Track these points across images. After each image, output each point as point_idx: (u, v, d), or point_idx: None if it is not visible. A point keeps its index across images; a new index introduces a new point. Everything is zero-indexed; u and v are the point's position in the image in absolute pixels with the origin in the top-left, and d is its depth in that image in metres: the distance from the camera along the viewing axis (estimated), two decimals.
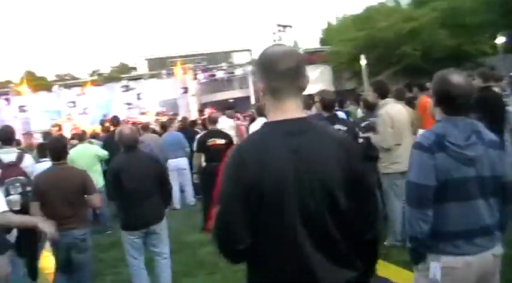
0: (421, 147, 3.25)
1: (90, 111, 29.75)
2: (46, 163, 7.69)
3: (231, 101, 32.23)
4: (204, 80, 32.54)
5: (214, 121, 10.66)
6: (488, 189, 3.24)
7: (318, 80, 31.72)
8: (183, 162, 12.91)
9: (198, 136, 10.85)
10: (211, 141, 9.86)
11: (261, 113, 10.36)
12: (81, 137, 11.52)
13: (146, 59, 49.62)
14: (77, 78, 40.40)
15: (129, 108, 30.25)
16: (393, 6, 34.99)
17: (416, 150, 3.27)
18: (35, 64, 58.49)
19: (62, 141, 6.82)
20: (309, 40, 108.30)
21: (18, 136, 27.00)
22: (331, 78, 32.83)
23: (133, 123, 27.01)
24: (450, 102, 3.30)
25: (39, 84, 38.75)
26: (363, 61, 28.59)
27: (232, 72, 33.38)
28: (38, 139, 26.23)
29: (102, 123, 16.89)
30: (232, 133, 12.77)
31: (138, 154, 6.61)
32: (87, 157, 10.67)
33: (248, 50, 51.40)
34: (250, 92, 29.99)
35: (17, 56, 72.35)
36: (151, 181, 6.37)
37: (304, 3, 77.01)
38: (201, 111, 30.51)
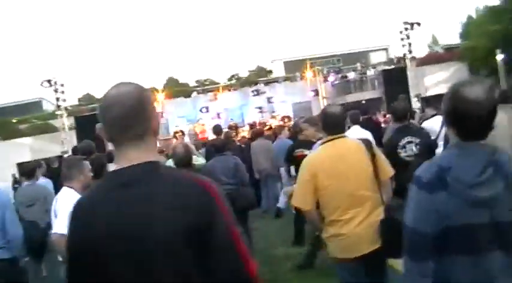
0: (419, 183, 2.52)
1: (223, 115, 30.07)
2: None
3: (363, 102, 31.31)
4: (336, 82, 31.76)
5: (297, 130, 10.01)
6: (506, 240, 2.45)
7: (453, 78, 30.02)
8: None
9: (288, 146, 10.23)
10: (299, 152, 9.22)
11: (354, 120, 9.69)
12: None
13: (283, 62, 49.80)
14: (217, 83, 41.03)
15: (259, 112, 30.25)
16: None
17: (414, 185, 2.54)
18: (177, 71, 60.55)
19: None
20: (449, 35, 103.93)
21: None
22: (466, 76, 30.83)
23: (260, 125, 27.35)
24: (462, 123, 2.53)
25: (180, 90, 39.88)
26: (499, 56, 26.54)
27: (365, 73, 32.40)
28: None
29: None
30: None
31: None
32: None
33: (385, 49, 50.21)
34: (381, 92, 28.89)
35: (161, 63, 75.37)
36: None
37: None
38: None
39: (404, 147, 6.62)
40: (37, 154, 25.72)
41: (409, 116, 7.27)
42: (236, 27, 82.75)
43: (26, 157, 24.51)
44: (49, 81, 25.16)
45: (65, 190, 5.38)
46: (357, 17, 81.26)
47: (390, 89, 25.06)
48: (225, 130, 28.57)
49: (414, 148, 6.60)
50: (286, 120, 28.82)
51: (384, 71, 28.17)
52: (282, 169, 12.02)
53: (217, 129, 12.58)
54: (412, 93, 25.07)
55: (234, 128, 28.38)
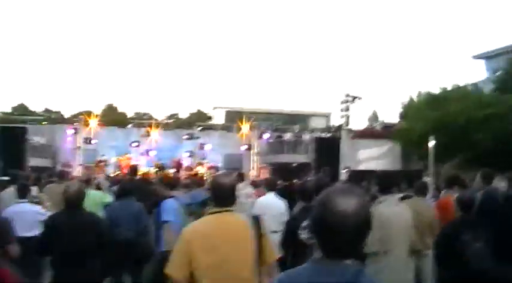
0: None
1: (152, 153, 29.64)
2: None
3: (294, 164, 31.32)
4: (270, 140, 31.74)
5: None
6: None
7: (385, 155, 30.42)
8: None
9: None
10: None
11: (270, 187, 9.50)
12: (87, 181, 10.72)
13: (225, 110, 49.70)
14: (155, 119, 40.50)
15: (189, 156, 29.94)
16: (472, 89, 33.15)
17: None
18: (118, 99, 59.91)
19: None
20: (390, 113, 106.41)
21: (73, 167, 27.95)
22: (399, 156, 31.28)
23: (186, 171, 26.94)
24: (328, 237, 2.26)
25: (116, 119, 39.29)
26: (431, 143, 26.92)
27: (300, 136, 32.50)
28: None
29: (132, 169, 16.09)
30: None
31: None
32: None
33: (326, 116, 50.63)
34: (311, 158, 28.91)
35: (103, 87, 74.38)
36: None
37: (391, 74, 75.84)
38: (260, 169, 30.07)
39: (306, 228, 6.27)
40: None
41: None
42: (184, 68, 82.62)
43: None
44: None
45: None
46: (305, 79, 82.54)
47: (321, 156, 25.13)
48: (151, 169, 28.52)
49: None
50: (213, 170, 28.52)
51: (318, 138, 28.23)
52: None
53: (132, 170, 12.17)
54: (342, 165, 25.15)
55: (160, 168, 27.98)
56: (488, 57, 51.94)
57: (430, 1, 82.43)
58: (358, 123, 54.81)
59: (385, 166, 29.33)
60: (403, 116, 42.04)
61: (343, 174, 24.85)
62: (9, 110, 46.75)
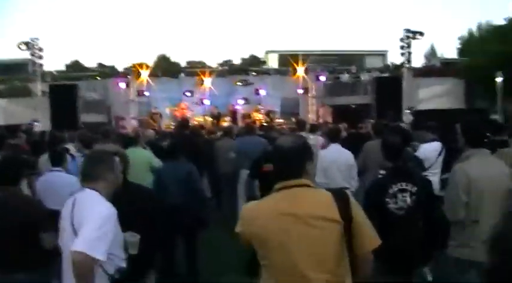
0: None
1: (206, 101, 28.47)
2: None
3: (353, 106, 29.69)
4: (328, 82, 30.06)
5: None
6: None
7: (448, 93, 28.45)
8: None
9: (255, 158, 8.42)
10: (267, 167, 7.29)
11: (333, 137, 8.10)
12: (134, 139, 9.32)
13: (278, 54, 48.13)
14: (208, 67, 39.19)
15: (245, 103, 28.62)
16: None
17: None
18: (170, 49, 58.41)
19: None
20: (447, 48, 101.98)
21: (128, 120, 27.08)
22: (462, 94, 29.19)
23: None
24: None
25: (170, 69, 38.16)
26: (499, 78, 24.88)
27: (359, 77, 30.70)
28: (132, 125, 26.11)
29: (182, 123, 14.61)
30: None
31: None
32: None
33: (382, 54, 48.55)
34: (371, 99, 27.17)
35: (155, 39, 72.94)
36: None
37: (445, 7, 71.65)
38: (318, 112, 28.57)
39: (395, 196, 4.84)
40: (8, 118, 24.20)
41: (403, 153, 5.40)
42: (235, 14, 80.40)
43: None
44: (27, 43, 23.15)
45: (88, 194, 3.81)
46: (357, 18, 79.28)
47: (382, 97, 23.44)
48: (206, 117, 27.42)
49: (409, 199, 4.83)
50: (271, 115, 27.26)
51: (378, 78, 26.36)
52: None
53: (182, 124, 10.82)
54: (404, 105, 23.49)
55: (216, 117, 26.84)
56: None
57: None
58: (415, 60, 52.54)
59: (448, 105, 27.57)
60: (462, 51, 39.76)
61: (407, 115, 23.27)
62: (63, 68, 46.07)
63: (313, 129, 12.70)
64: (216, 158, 11.07)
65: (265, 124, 25.09)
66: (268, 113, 27.58)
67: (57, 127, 19.70)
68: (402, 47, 23.88)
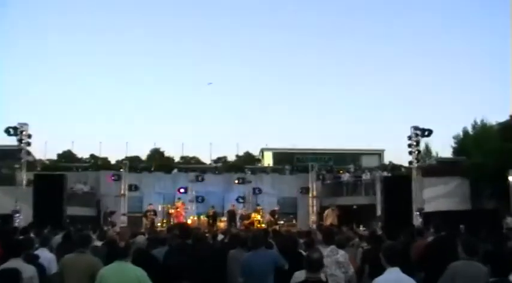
0: None
1: (202, 199, 26.51)
2: None
3: (354, 207, 27.75)
4: (328, 182, 28.22)
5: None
6: None
7: (453, 194, 26.57)
8: None
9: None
10: None
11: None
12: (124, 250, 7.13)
13: (273, 152, 46.63)
14: (202, 163, 37.44)
15: (241, 202, 26.64)
16: None
17: None
18: (163, 142, 56.99)
19: None
20: (440, 148, 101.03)
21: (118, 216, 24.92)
22: (468, 194, 27.33)
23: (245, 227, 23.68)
24: None
25: (164, 163, 36.35)
26: (511, 178, 23.11)
27: (360, 176, 28.91)
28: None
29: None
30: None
31: None
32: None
33: (378, 153, 47.10)
34: (377, 199, 25.22)
35: (148, 132, 71.51)
36: None
37: (440, 107, 70.97)
38: (320, 214, 26.50)
39: None
40: None
41: None
42: (229, 110, 79.69)
43: None
44: (15, 128, 21.11)
45: None
46: (350, 117, 78.67)
47: (390, 197, 21.47)
48: (202, 217, 25.33)
49: None
50: (276, 215, 25.31)
51: (386, 177, 24.50)
52: None
53: (184, 232, 8.58)
54: (414, 206, 21.54)
55: (213, 216, 24.81)
56: None
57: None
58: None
59: (454, 206, 25.68)
60: (458, 149, 38.16)
61: (416, 218, 21.28)
62: (55, 157, 44.03)
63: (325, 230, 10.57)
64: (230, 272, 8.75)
65: (263, 226, 23.23)
66: (273, 213, 25.57)
67: (40, 219, 18.48)
68: (410, 145, 22.19)
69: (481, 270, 5.93)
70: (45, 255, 8.50)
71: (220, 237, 12.48)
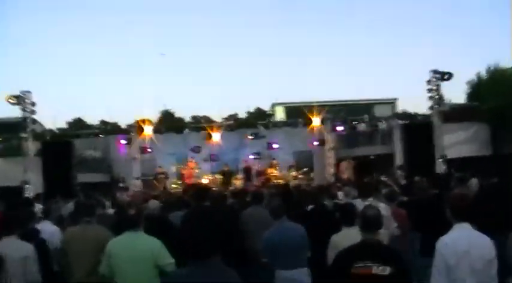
0: None
1: (216, 157, 25.44)
2: None
3: (371, 157, 26.73)
4: (343, 132, 27.09)
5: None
6: None
7: (473, 139, 25.52)
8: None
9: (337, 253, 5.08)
10: (361, 269, 4.39)
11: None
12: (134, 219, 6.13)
13: (284, 106, 45.47)
14: (213, 121, 36.25)
15: (256, 158, 25.63)
16: None
17: None
18: (173, 104, 55.87)
19: None
20: (452, 94, 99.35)
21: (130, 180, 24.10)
22: (488, 139, 26.22)
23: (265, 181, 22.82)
24: None
25: (174, 125, 35.31)
26: None
27: (376, 125, 27.70)
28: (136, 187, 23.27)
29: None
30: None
31: None
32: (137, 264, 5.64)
33: (391, 103, 45.83)
34: (395, 148, 24.16)
35: (158, 93, 70.11)
36: None
37: (452, 53, 68.98)
38: (337, 167, 25.55)
39: None
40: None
41: None
42: (238, 67, 78.07)
43: None
44: (17, 97, 19.93)
45: None
46: (358, 66, 76.85)
47: (411, 146, 20.45)
48: (217, 176, 24.45)
49: None
50: (293, 170, 24.39)
51: (406, 124, 23.29)
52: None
53: (199, 194, 7.57)
54: (437, 153, 20.51)
55: (228, 174, 23.88)
56: None
57: None
58: (423, 106, 49.78)
59: (475, 152, 24.67)
60: (472, 95, 36.89)
61: (439, 164, 20.27)
62: (65, 126, 43.19)
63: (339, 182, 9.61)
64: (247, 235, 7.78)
65: (280, 181, 22.35)
66: (290, 168, 24.77)
67: (50, 188, 18.17)
68: (430, 90, 20.93)
69: None
70: (47, 228, 7.57)
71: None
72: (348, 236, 5.63)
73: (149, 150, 25.69)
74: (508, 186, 8.06)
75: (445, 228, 4.84)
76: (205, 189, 9.36)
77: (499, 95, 26.62)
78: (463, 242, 4.59)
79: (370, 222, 4.71)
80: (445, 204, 5.01)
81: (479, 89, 33.92)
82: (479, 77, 36.52)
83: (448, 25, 72.82)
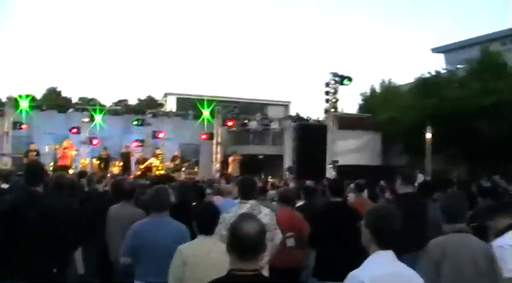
0: None
1: (95, 141, 23.27)
2: None
3: (260, 157, 25.58)
4: (235, 129, 25.76)
5: None
6: None
7: (365, 148, 25.04)
8: None
9: None
10: None
11: None
12: None
13: (176, 97, 43.55)
14: (102, 105, 33.79)
15: (140, 145, 23.76)
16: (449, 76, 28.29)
17: None
18: (62, 83, 52.43)
19: None
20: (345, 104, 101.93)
21: None
22: (379, 149, 25.87)
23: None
24: None
25: (59, 104, 32.62)
26: (429, 134, 21.73)
27: (268, 125, 26.57)
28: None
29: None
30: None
31: None
32: None
33: (285, 105, 45.09)
34: (286, 150, 23.12)
35: (45, 72, 66.02)
36: None
37: (346, 66, 69.81)
38: (224, 163, 24.20)
39: None
40: None
41: None
42: (132, 55, 75.41)
43: None
44: None
45: None
46: (256, 66, 76.48)
47: (303, 148, 19.31)
48: (94, 161, 22.34)
49: None
50: (177, 161, 22.72)
51: (302, 125, 22.22)
52: None
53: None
54: (328, 158, 19.54)
55: (105, 159, 21.77)
56: (446, 50, 47.93)
57: None
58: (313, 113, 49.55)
59: (364, 161, 24.14)
60: (364, 106, 37.02)
61: (330, 169, 19.32)
62: None
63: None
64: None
65: (162, 172, 20.90)
66: (174, 159, 22.92)
67: None
68: (327, 93, 19.88)
69: None
70: None
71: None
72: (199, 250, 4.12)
73: (24, 126, 23.26)
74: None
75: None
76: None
77: (390, 110, 26.40)
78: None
79: (245, 246, 2.99)
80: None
81: (372, 100, 34.15)
82: (372, 90, 36.83)
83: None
